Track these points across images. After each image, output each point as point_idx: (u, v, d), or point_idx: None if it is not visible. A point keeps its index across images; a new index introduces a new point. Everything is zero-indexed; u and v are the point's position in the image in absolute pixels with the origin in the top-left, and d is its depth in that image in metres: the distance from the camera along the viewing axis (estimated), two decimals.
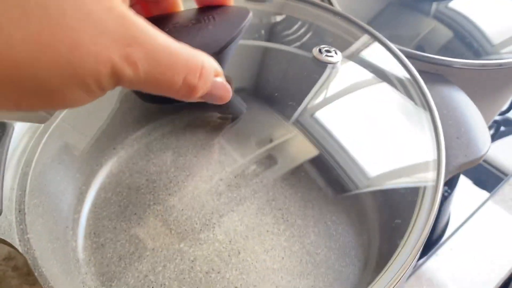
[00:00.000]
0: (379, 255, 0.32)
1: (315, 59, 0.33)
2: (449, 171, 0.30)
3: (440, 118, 0.31)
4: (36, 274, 0.24)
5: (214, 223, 0.33)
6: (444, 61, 0.35)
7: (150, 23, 0.15)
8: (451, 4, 0.45)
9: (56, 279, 0.25)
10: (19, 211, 0.27)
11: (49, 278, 0.24)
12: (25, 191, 0.28)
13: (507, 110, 0.56)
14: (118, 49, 0.14)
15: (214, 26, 0.20)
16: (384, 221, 0.33)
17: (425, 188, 0.30)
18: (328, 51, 0.33)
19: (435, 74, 0.36)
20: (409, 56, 0.35)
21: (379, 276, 0.26)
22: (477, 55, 0.40)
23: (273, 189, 0.35)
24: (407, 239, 0.27)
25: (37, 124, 0.30)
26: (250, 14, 0.21)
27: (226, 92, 0.19)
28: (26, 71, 0.13)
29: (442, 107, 0.32)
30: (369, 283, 0.26)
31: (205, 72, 0.17)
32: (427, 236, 0.26)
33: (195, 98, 0.18)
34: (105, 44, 0.14)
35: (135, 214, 0.33)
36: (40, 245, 0.26)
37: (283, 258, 0.31)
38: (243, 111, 0.33)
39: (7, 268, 0.38)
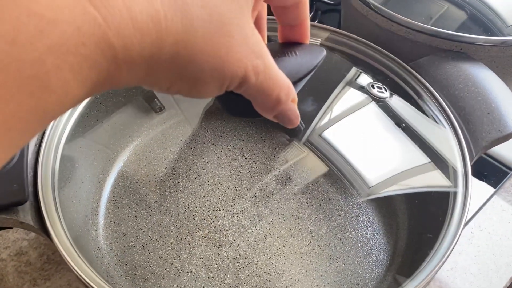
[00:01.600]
0: (408, 237, 0.32)
1: (368, 93, 0.36)
2: (483, 147, 0.29)
3: (469, 95, 0.30)
4: (68, 257, 0.23)
5: (238, 209, 0.32)
6: (466, 38, 0.35)
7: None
8: None
9: (83, 268, 0.24)
10: (43, 198, 0.26)
11: (83, 260, 0.23)
12: (46, 177, 0.27)
13: None
14: (252, 60, 0.17)
15: (295, 60, 0.23)
16: (412, 203, 0.33)
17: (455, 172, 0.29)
18: (379, 87, 0.36)
19: (459, 52, 0.35)
20: (432, 34, 0.34)
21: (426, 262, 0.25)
22: (494, 36, 0.40)
23: (295, 174, 0.34)
24: (448, 224, 0.26)
25: None
26: (324, 53, 0.24)
27: (296, 118, 0.22)
28: (195, 62, 0.16)
29: (469, 84, 0.31)
30: (416, 267, 0.25)
31: (289, 93, 0.20)
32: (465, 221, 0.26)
33: (273, 113, 0.21)
34: (245, 53, 0.17)
35: (156, 201, 0.32)
36: (65, 233, 0.25)
37: (310, 242, 0.31)
38: (302, 128, 0.37)
39: (19, 264, 0.37)
